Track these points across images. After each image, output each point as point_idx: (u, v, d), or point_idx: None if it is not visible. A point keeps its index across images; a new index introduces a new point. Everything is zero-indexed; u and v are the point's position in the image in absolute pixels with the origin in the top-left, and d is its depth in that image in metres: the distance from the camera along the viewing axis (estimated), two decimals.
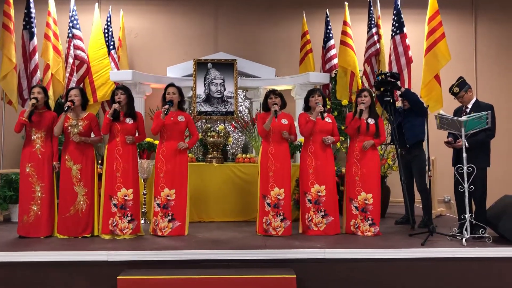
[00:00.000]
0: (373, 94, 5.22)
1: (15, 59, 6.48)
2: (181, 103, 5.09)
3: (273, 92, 5.05)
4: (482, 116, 4.50)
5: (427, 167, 4.94)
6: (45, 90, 4.96)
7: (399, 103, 5.75)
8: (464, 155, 4.49)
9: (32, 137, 4.82)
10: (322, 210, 4.92)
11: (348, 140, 6.99)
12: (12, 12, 6.56)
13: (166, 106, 4.83)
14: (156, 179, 4.92)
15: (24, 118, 4.71)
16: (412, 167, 5.46)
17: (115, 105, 4.78)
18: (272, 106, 4.90)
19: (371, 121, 4.96)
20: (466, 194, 4.48)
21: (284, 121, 4.97)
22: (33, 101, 4.76)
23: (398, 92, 5.53)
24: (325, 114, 5.04)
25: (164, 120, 4.85)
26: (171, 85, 5.05)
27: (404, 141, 5.44)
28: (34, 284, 3.93)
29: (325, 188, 4.93)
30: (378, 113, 5.10)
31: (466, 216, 4.43)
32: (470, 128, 4.53)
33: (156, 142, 5.44)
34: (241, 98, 7.49)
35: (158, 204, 4.87)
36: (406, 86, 6.45)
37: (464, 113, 4.85)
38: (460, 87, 4.88)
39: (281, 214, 4.86)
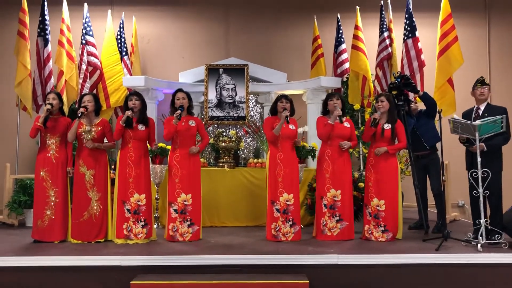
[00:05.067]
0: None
1: (29, 65, 6.57)
2: (189, 107, 5.11)
3: (284, 96, 5.05)
4: (497, 120, 4.45)
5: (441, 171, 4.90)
6: (59, 96, 5.02)
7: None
8: (479, 159, 4.44)
9: (47, 143, 4.87)
10: (337, 215, 4.89)
11: (361, 145, 6.99)
12: (27, 19, 6.67)
13: (179, 112, 4.84)
14: (171, 185, 4.93)
15: (39, 124, 4.76)
16: (429, 170, 5.43)
17: (128, 113, 4.81)
18: (283, 111, 4.90)
19: (387, 126, 4.88)
20: (481, 199, 4.43)
21: (291, 127, 4.97)
22: (48, 106, 4.81)
23: (411, 96, 5.49)
24: (344, 118, 5.03)
25: (177, 125, 4.87)
26: (180, 90, 5.08)
27: (421, 144, 5.39)
28: None
29: (341, 193, 4.90)
30: (396, 118, 4.98)
31: (481, 221, 4.37)
32: (484, 132, 4.48)
33: (169, 147, 5.47)
34: (252, 103, 7.50)
35: (175, 210, 4.88)
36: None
37: (476, 114, 4.80)
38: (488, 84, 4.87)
39: (291, 219, 4.84)
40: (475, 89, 4.90)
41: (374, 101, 5.07)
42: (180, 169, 4.90)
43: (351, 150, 6.57)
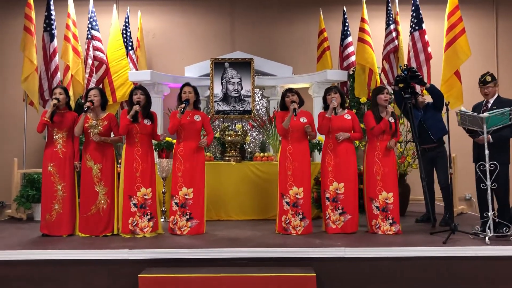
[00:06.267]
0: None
1: (36, 61, 6.60)
2: (196, 102, 5.11)
3: (289, 90, 5.04)
4: (505, 112, 4.42)
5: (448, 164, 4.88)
6: (66, 91, 5.04)
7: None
8: (487, 151, 4.41)
9: (54, 137, 4.90)
10: (340, 207, 4.89)
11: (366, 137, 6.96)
12: (33, 14, 6.68)
13: (183, 105, 4.85)
14: (174, 178, 4.95)
15: (46, 118, 4.78)
16: (436, 163, 5.40)
17: (137, 107, 4.80)
18: (291, 104, 4.89)
19: (391, 119, 4.91)
20: (489, 191, 4.40)
21: (303, 120, 4.94)
22: (55, 101, 4.83)
23: (418, 88, 5.46)
24: (345, 111, 5.02)
25: (180, 119, 4.87)
26: (187, 84, 5.08)
27: (428, 137, 5.37)
28: (56, 282, 3.98)
29: (343, 185, 4.89)
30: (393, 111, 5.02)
31: (489, 214, 4.35)
32: (492, 124, 4.45)
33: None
34: (258, 96, 7.49)
35: (176, 203, 4.90)
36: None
37: (485, 108, 4.77)
38: (492, 78, 4.82)
39: (300, 213, 4.84)
40: (480, 88, 4.88)
41: (375, 93, 5.03)
42: (184, 163, 4.91)
43: (357, 143, 6.55)
